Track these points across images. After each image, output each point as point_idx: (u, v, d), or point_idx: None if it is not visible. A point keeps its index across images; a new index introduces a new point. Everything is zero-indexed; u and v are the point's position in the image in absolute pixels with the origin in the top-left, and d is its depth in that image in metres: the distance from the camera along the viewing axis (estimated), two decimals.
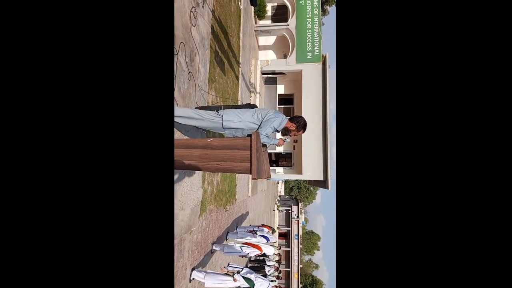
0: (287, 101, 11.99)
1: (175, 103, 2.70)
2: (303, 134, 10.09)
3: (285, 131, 2.30)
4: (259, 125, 2.14)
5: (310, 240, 45.02)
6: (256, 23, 10.78)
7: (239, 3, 7.18)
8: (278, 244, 7.93)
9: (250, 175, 1.95)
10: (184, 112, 2.18)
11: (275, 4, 11.76)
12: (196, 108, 2.54)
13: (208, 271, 3.89)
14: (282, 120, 2.19)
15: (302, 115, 2.36)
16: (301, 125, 2.26)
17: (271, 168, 10.27)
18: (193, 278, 3.69)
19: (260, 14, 10.73)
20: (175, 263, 3.16)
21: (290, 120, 2.26)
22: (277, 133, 2.33)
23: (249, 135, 1.90)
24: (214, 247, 4.64)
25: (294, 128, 2.27)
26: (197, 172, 3.65)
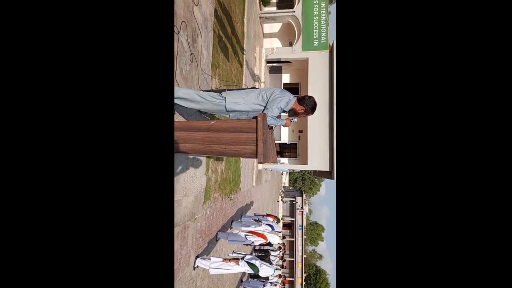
0: (293, 91, 11.66)
1: (176, 84, 2.59)
2: (309, 125, 9.79)
3: (293, 113, 2.14)
4: (265, 106, 2.02)
5: (314, 231, 45.27)
6: (261, 9, 10.47)
7: None
8: (282, 234, 7.94)
9: (256, 159, 1.85)
10: (185, 93, 2.07)
11: None
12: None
13: (212, 257, 3.85)
14: (289, 100, 2.05)
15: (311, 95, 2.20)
16: (310, 108, 2.11)
17: None
18: (197, 266, 3.66)
19: (265, 0, 10.41)
20: (179, 251, 3.11)
21: (298, 101, 2.11)
22: (283, 113, 2.19)
23: (255, 117, 1.79)
24: (218, 235, 4.61)
25: (302, 111, 2.12)
26: (200, 158, 3.56)
